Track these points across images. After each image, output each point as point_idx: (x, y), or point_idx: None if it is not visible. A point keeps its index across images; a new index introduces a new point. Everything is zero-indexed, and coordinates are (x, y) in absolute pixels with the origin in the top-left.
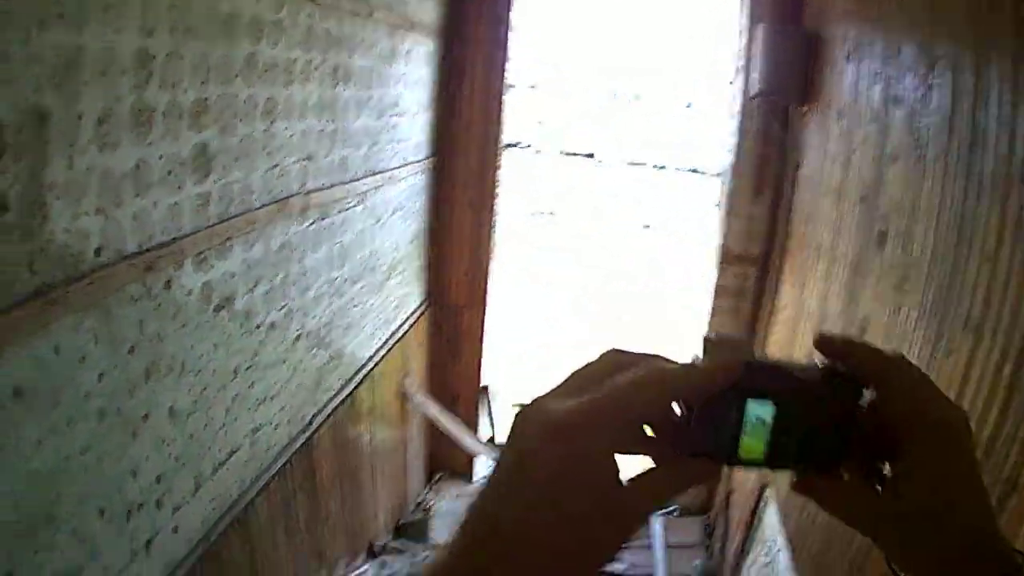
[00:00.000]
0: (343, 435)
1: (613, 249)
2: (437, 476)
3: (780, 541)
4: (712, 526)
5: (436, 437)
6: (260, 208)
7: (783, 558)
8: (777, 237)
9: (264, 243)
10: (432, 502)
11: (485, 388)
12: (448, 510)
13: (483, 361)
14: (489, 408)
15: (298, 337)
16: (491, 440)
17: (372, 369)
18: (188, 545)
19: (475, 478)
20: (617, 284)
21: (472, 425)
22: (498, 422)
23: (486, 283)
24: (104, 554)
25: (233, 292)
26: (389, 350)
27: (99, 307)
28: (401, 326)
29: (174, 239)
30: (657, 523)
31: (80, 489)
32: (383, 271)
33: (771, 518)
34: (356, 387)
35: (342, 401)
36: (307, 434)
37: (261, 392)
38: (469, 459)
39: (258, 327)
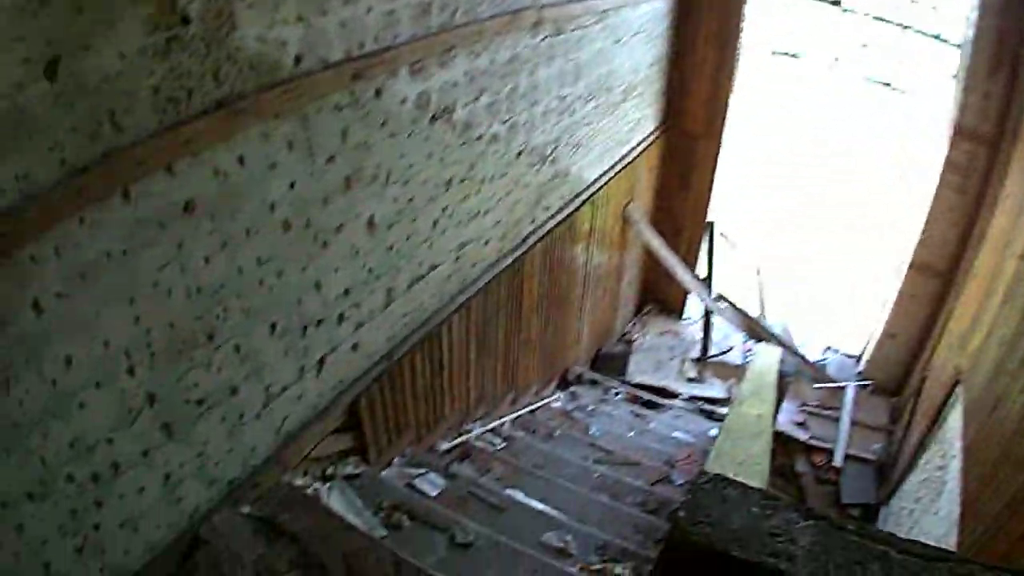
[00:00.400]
0: (557, 257)
1: (847, 98)
2: (647, 309)
3: (957, 447)
4: (899, 411)
5: (652, 268)
6: (488, 19)
7: (954, 466)
8: (1010, 118)
9: (491, 54)
10: (636, 335)
11: (710, 224)
12: (651, 345)
13: (711, 196)
14: (711, 245)
15: (521, 152)
16: (708, 278)
17: (597, 191)
18: (369, 361)
19: (685, 315)
20: (845, 138)
21: (692, 260)
22: (718, 261)
23: (725, 115)
24: (267, 372)
25: (453, 102)
26: (617, 173)
27: (296, 115)
28: (633, 149)
29: (388, 48)
30: (850, 394)
31: (251, 304)
32: (619, 92)
33: (955, 420)
34: (578, 208)
35: (561, 221)
36: (518, 253)
37: (475, 206)
38: (683, 295)
39: (478, 139)
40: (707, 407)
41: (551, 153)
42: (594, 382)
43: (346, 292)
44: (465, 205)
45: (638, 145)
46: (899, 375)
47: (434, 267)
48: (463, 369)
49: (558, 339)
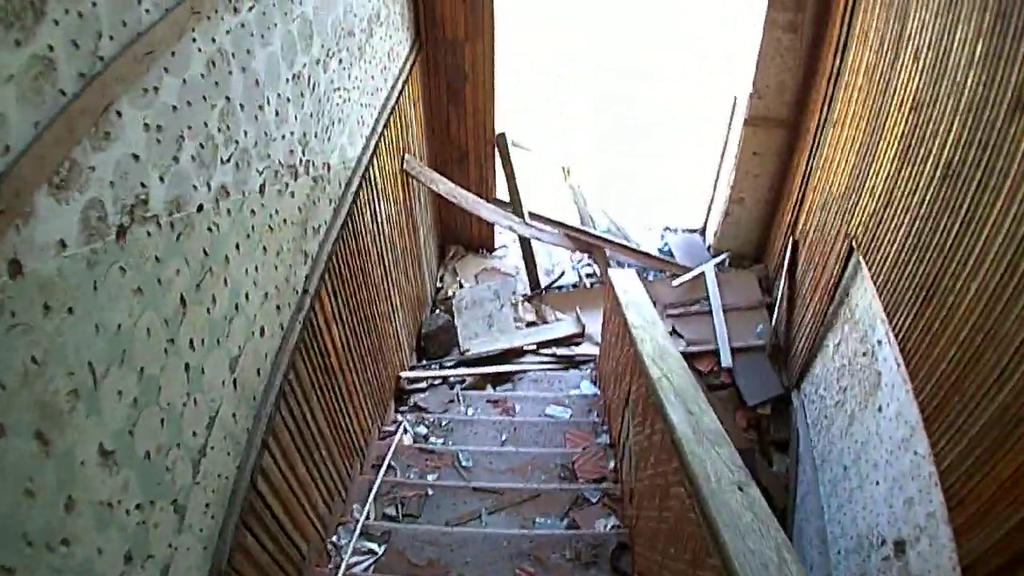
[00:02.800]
0: (349, 274)
1: None
2: (451, 252)
3: (881, 331)
4: (771, 280)
5: (446, 208)
6: (157, 23)
7: (887, 354)
8: None
9: (175, 75)
10: (451, 288)
11: (501, 136)
12: (473, 298)
13: (493, 106)
14: (506, 160)
15: (263, 186)
16: (513, 198)
17: (368, 164)
18: None
19: (496, 246)
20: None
21: (487, 183)
22: (521, 176)
23: (491, 6)
24: None
25: (140, 188)
26: (385, 126)
27: None
28: (393, 88)
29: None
30: (711, 279)
31: None
32: (363, 28)
33: (863, 296)
34: (354, 199)
35: (340, 231)
36: (305, 310)
37: (228, 302)
38: (487, 225)
39: (199, 211)
40: (562, 352)
41: (303, 156)
42: (432, 380)
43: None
44: (215, 313)
45: (398, 80)
46: (754, 241)
47: (211, 421)
48: (297, 494)
49: (380, 359)
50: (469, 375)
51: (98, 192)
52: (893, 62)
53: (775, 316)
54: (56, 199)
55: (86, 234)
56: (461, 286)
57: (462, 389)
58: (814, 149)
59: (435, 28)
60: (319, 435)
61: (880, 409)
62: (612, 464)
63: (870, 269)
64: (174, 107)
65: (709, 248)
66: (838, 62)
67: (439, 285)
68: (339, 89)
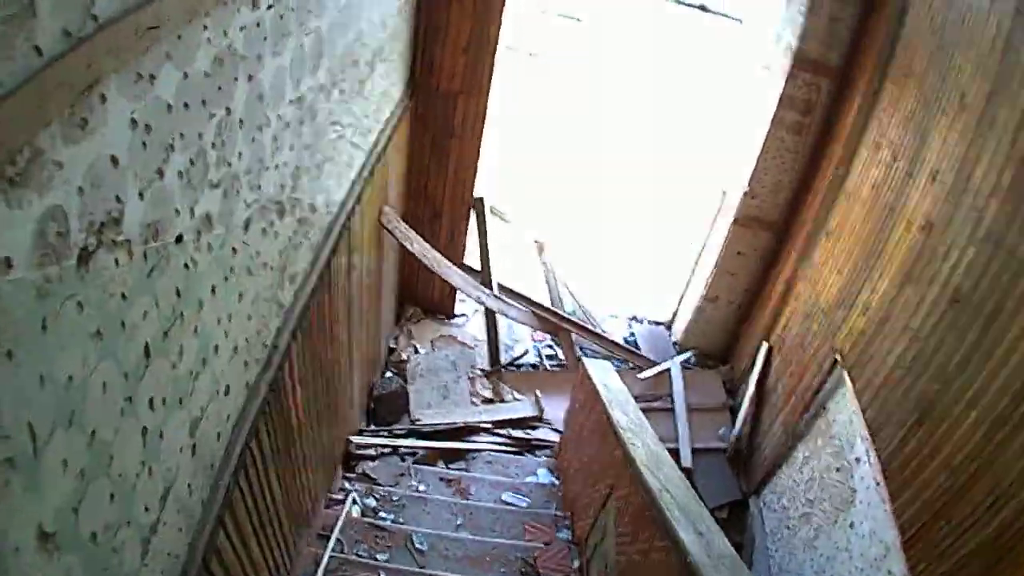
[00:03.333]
0: (319, 332)
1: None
2: (409, 313)
3: (861, 449)
4: (737, 382)
5: (410, 266)
6: None
7: (864, 473)
8: (867, 50)
9: (177, 68)
10: (405, 353)
11: (479, 200)
12: (428, 366)
13: (476, 167)
14: (482, 226)
15: (249, 220)
16: (483, 267)
17: (352, 211)
18: None
19: (457, 313)
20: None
21: (458, 246)
22: (496, 245)
23: (491, 62)
24: None
25: (114, 206)
26: (371, 172)
27: None
28: (383, 132)
29: None
30: (677, 376)
31: None
32: (367, 61)
33: (842, 412)
34: (333, 249)
35: (316, 283)
36: (272, 370)
37: (195, 356)
38: (451, 290)
39: (178, 242)
40: (518, 434)
41: (292, 194)
42: (383, 448)
43: None
44: (181, 367)
45: (388, 124)
46: (722, 341)
47: (166, 493)
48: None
49: (334, 421)
50: (422, 448)
51: (63, 199)
52: (905, 178)
53: (739, 420)
54: (5, 199)
55: (40, 253)
56: (416, 351)
57: (414, 462)
58: (803, 257)
59: (430, 76)
60: (274, 506)
61: (852, 526)
62: (576, 563)
63: (855, 384)
64: (169, 106)
65: (675, 343)
66: (842, 171)
67: (392, 346)
68: (336, 123)
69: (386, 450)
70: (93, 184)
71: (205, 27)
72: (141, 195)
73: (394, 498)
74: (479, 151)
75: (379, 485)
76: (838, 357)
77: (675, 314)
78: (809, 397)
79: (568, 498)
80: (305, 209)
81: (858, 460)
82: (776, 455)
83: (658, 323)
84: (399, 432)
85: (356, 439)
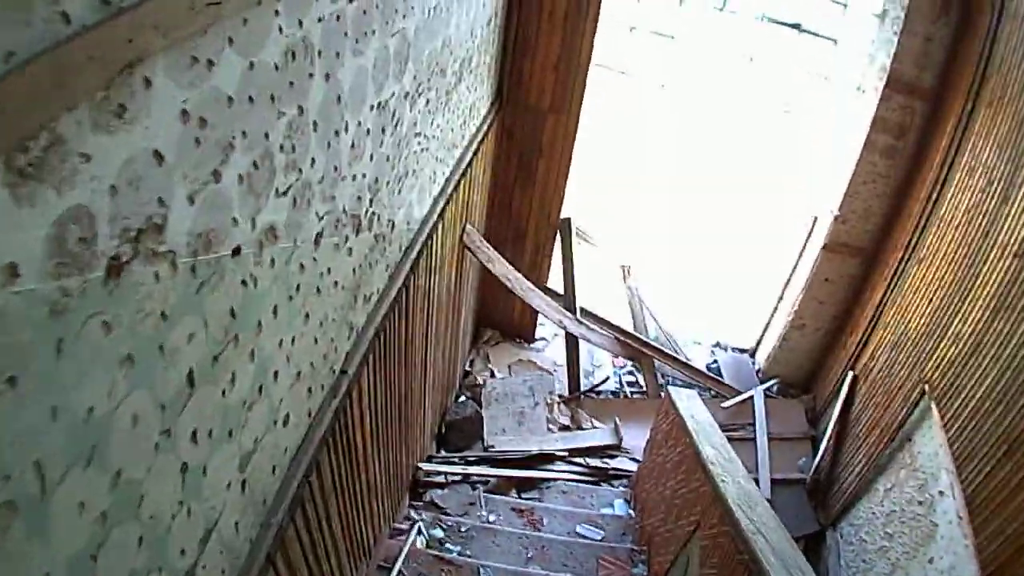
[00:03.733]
0: (393, 354)
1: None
2: (486, 336)
3: (945, 482)
4: (819, 412)
5: (490, 286)
6: None
7: (947, 508)
8: (962, 72)
9: (240, 57)
10: (481, 376)
11: (566, 222)
12: (504, 390)
13: (564, 187)
14: (567, 248)
15: (320, 234)
16: (568, 290)
17: (432, 228)
18: None
19: (536, 337)
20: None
21: (542, 268)
22: (577, 267)
23: (583, 80)
24: None
25: (156, 211)
26: (454, 189)
27: None
28: (468, 147)
29: None
30: (759, 405)
31: None
32: (454, 70)
33: (929, 444)
34: (412, 268)
35: (391, 304)
36: (338, 398)
37: (250, 384)
38: (531, 313)
39: (235, 255)
40: (595, 463)
41: (369, 207)
42: (453, 476)
43: None
44: (232, 396)
45: (474, 139)
46: (806, 369)
47: (207, 535)
48: None
49: (403, 448)
50: (493, 476)
51: (89, 198)
52: (1000, 205)
53: (820, 450)
54: (13, 194)
55: (56, 261)
56: (493, 375)
57: (485, 491)
58: (892, 284)
59: (519, 91)
60: (332, 544)
61: (931, 561)
62: None
63: (942, 416)
64: (230, 98)
65: (758, 371)
66: (935, 196)
67: (468, 369)
68: (420, 135)
69: (456, 478)
70: (130, 183)
71: (277, 12)
72: (191, 199)
73: (462, 528)
74: (567, 171)
75: (447, 514)
76: (926, 388)
77: (759, 341)
78: (894, 428)
79: (645, 531)
80: (383, 225)
81: (942, 494)
82: (856, 487)
83: (742, 350)
84: (471, 459)
85: (425, 466)
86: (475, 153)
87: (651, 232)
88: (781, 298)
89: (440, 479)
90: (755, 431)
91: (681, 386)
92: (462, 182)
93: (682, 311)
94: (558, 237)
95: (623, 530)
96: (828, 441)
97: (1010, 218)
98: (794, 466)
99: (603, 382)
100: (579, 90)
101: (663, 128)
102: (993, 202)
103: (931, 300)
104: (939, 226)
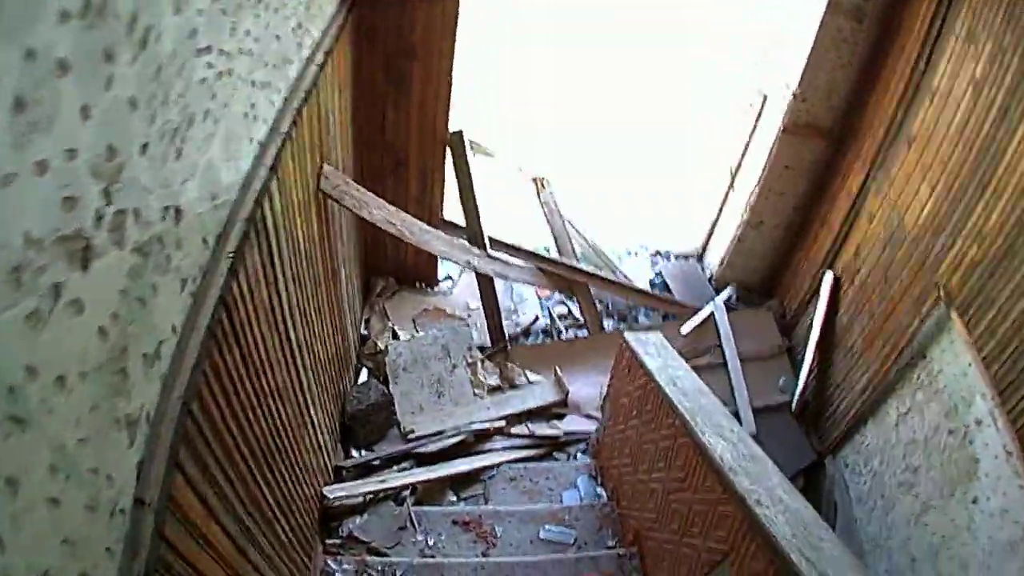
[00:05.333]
0: (220, 404)
1: None
2: (379, 288)
3: (982, 409)
4: (791, 319)
5: (371, 229)
6: None
7: (990, 441)
8: None
9: None
10: (381, 340)
11: (457, 135)
12: (412, 356)
13: (450, 93)
14: (462, 167)
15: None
16: (470, 220)
17: (261, 197)
18: None
19: (440, 277)
20: None
21: (433, 196)
22: (482, 189)
23: None
24: None
25: None
26: (293, 125)
27: None
28: (311, 62)
29: None
30: (723, 322)
31: None
32: None
33: (953, 360)
34: (231, 270)
35: (203, 350)
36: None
37: None
38: (431, 256)
39: None
40: (543, 431)
41: (108, 204)
42: (369, 494)
43: None
44: None
45: (317, 49)
46: (770, 272)
47: None
48: None
49: (295, 481)
50: (421, 480)
51: None
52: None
53: (804, 367)
54: None
55: None
56: (395, 335)
57: (414, 504)
58: (874, 169)
59: None
60: None
61: (975, 501)
62: None
63: (970, 331)
64: None
65: (711, 279)
66: (922, 66)
67: (364, 332)
68: (210, 51)
69: (374, 501)
70: None
71: None
72: None
73: (395, 573)
74: (450, 73)
75: (373, 550)
76: (942, 294)
77: (707, 244)
78: (904, 341)
79: (629, 526)
80: (154, 221)
81: (979, 423)
82: (859, 410)
83: (687, 256)
84: (391, 456)
85: (331, 491)
86: (322, 67)
87: (564, 136)
88: (729, 193)
89: (357, 499)
90: (723, 354)
91: (639, 327)
92: (305, 111)
93: (611, 220)
94: (449, 156)
95: (598, 523)
96: (812, 356)
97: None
98: (774, 388)
99: (532, 323)
100: None
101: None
102: (1011, 74)
103: (934, 188)
104: (933, 100)
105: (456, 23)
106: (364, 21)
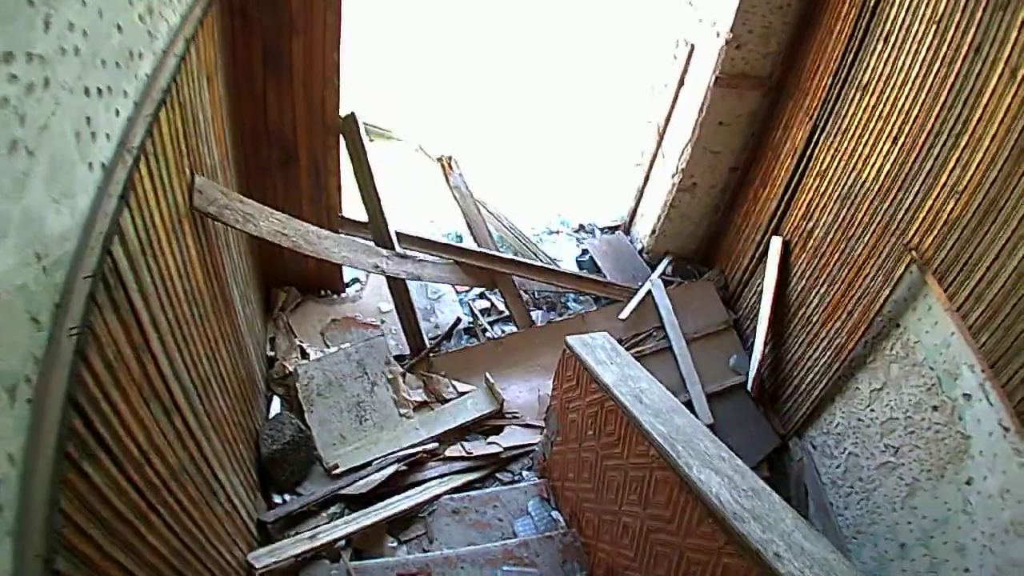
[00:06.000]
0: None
1: None
2: (281, 301)
3: (971, 381)
4: (735, 290)
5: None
6: None
7: (983, 417)
8: None
9: None
10: (289, 360)
11: (349, 120)
12: (324, 377)
13: (338, 73)
14: (360, 155)
15: None
16: (372, 211)
17: (106, 247)
18: None
19: (345, 284)
20: None
21: (329, 196)
22: (383, 177)
23: None
24: None
25: None
26: (148, 135)
27: None
28: (168, 52)
29: None
30: (663, 301)
31: None
32: None
33: (932, 328)
34: (79, 351)
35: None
36: None
37: None
38: (330, 263)
39: None
40: (481, 449)
41: None
42: (300, 555)
43: None
44: None
45: (176, 36)
46: (706, 239)
47: None
48: None
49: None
50: (355, 531)
51: None
52: (995, 10)
53: (757, 344)
54: None
55: None
56: (304, 354)
57: (352, 558)
58: (822, 119)
59: None
60: None
61: (969, 482)
62: None
63: (950, 297)
64: None
65: (642, 252)
66: (867, 6)
67: (271, 353)
68: (9, 59)
69: (305, 551)
70: None
71: None
72: None
73: None
74: (337, 47)
75: None
76: (914, 256)
77: (635, 213)
78: (872, 310)
79: (599, 559)
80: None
81: (967, 397)
82: (825, 387)
83: (614, 229)
84: (319, 501)
85: (258, 558)
86: (183, 58)
87: (468, 106)
88: (657, 154)
89: (286, 561)
90: (667, 337)
91: (570, 315)
92: (164, 115)
93: (528, 198)
94: (344, 144)
95: (561, 555)
96: (764, 330)
97: (1016, 30)
98: (726, 368)
99: (454, 326)
100: None
101: None
102: (982, 11)
103: (896, 139)
104: (885, 43)
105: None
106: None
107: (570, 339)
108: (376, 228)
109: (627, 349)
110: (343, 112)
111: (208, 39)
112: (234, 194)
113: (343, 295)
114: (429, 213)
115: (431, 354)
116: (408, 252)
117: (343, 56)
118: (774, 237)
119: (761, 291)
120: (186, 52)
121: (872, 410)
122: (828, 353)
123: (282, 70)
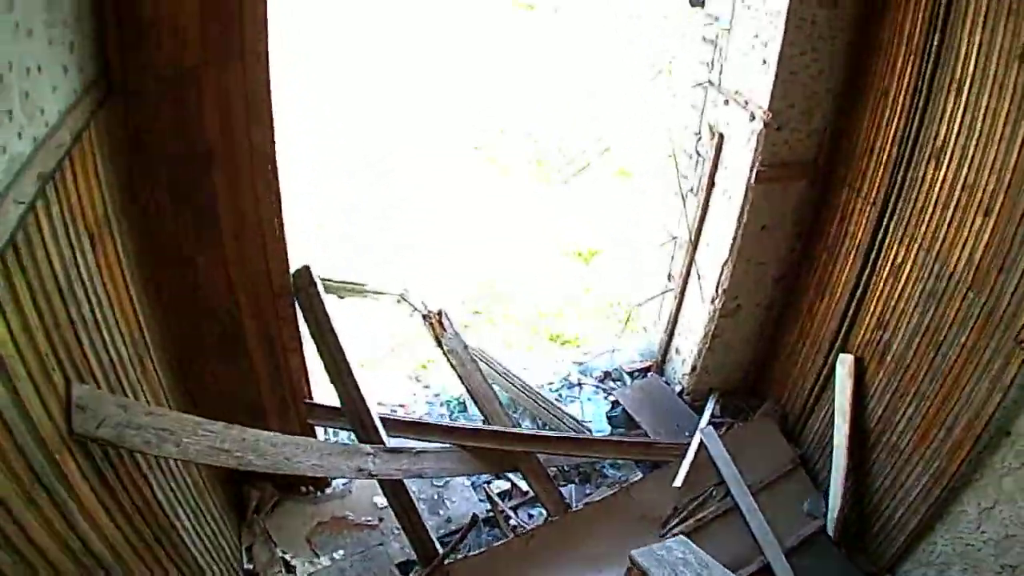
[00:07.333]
0: None
1: None
2: (254, 500)
3: None
4: (795, 422)
5: None
6: None
7: None
8: None
9: None
10: (268, 571)
11: (302, 274)
12: None
13: (281, 208)
14: (322, 322)
15: None
16: (345, 395)
17: None
18: None
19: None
20: None
21: (290, 376)
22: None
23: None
24: None
25: None
26: None
27: None
28: (18, 210)
29: None
30: (720, 454)
31: None
32: None
33: None
34: None
35: None
36: None
37: None
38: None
39: None
40: None
41: None
42: None
43: None
44: None
45: (21, 175)
46: (747, 365)
47: None
48: None
49: None
50: None
51: None
52: None
53: (836, 482)
54: None
55: None
56: (288, 567)
57: None
58: (889, 204)
59: (141, 47)
60: None
61: None
62: None
63: None
64: None
65: (682, 393)
66: (934, 41)
67: (248, 565)
68: None
69: None
70: None
71: None
72: None
73: None
74: (273, 178)
75: None
76: None
77: (667, 347)
78: (980, 425)
79: None
80: None
81: None
82: (923, 516)
83: (644, 371)
84: None
85: None
86: (32, 206)
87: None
88: (688, 274)
89: None
90: (730, 494)
91: (607, 485)
92: (11, 297)
93: (534, 344)
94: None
95: None
96: (843, 465)
97: None
98: (801, 516)
99: (471, 526)
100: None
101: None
102: None
103: (988, 211)
104: (958, 94)
105: (269, 89)
106: (130, 118)
107: (637, 555)
108: (353, 413)
109: (686, 519)
110: (294, 267)
111: (86, 178)
112: (137, 405)
113: (328, 491)
114: (421, 376)
115: (447, 560)
116: (400, 445)
117: (283, 191)
118: (842, 355)
119: (831, 419)
120: (38, 197)
121: (983, 531)
122: (925, 479)
123: (204, 216)
